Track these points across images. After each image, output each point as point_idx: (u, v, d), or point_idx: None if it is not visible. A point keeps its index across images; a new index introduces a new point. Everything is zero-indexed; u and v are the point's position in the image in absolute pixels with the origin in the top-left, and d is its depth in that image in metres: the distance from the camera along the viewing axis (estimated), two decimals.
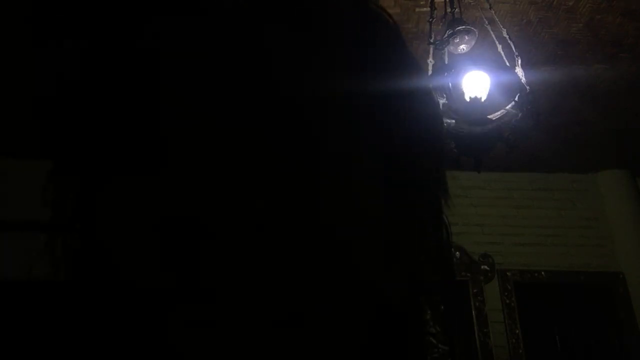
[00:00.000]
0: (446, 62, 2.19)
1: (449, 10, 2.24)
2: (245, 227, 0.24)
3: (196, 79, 0.26)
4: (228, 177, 0.25)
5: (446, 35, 2.13)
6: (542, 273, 3.89)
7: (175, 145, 0.25)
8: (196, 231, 0.24)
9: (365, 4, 0.31)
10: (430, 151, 0.33)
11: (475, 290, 3.79)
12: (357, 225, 0.27)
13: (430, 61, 2.23)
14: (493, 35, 2.23)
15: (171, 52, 0.27)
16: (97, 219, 0.27)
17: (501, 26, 2.25)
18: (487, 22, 2.26)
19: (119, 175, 0.26)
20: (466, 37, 2.14)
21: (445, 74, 2.09)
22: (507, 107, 2.14)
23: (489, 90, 2.14)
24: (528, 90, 2.08)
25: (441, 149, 0.34)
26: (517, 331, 3.69)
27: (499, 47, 2.22)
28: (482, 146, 2.03)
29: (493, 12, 2.31)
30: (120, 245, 0.25)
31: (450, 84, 2.08)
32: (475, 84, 2.13)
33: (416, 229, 0.32)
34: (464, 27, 2.13)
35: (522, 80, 2.10)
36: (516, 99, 2.10)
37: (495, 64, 2.19)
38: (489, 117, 2.09)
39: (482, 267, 3.84)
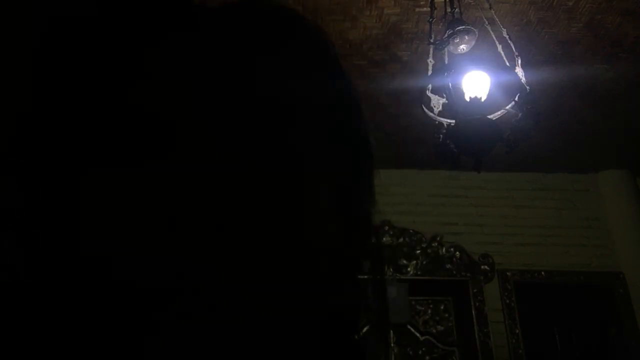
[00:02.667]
0: (446, 62, 2.19)
1: (449, 10, 2.24)
2: (220, 228, 0.25)
3: (177, 74, 0.27)
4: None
5: (446, 35, 2.12)
6: (542, 273, 3.89)
7: (159, 137, 0.26)
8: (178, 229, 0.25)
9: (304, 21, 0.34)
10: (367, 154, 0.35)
11: (475, 290, 3.79)
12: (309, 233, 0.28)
13: (430, 61, 2.23)
14: (493, 35, 2.23)
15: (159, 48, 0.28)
16: (77, 215, 0.26)
17: (501, 26, 2.25)
18: (487, 22, 2.26)
19: (98, 168, 0.26)
20: (466, 37, 2.14)
21: (445, 74, 2.09)
22: (507, 107, 2.14)
23: (489, 90, 2.14)
24: (528, 90, 2.08)
25: (366, 155, 0.36)
26: (517, 331, 3.69)
27: (499, 47, 2.21)
28: (482, 146, 2.03)
29: (493, 12, 2.31)
30: (107, 242, 0.25)
31: (450, 84, 2.08)
32: (475, 84, 2.13)
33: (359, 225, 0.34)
34: (464, 27, 2.12)
35: (522, 80, 2.10)
36: (516, 99, 2.10)
37: (495, 64, 2.19)
38: (489, 117, 2.09)
39: (482, 267, 3.84)
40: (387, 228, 3.86)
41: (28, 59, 0.29)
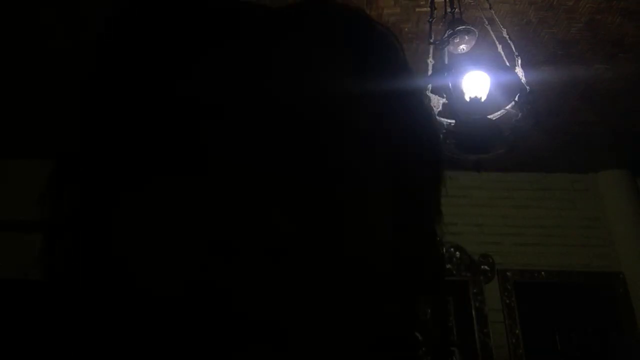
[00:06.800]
0: (446, 62, 2.19)
1: (449, 10, 2.24)
2: (259, 243, 0.24)
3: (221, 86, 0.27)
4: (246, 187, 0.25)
5: (446, 35, 2.12)
6: (542, 273, 3.89)
7: (203, 153, 0.25)
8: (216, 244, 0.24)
9: (366, 19, 0.32)
10: (429, 153, 0.33)
11: (475, 290, 3.79)
12: (366, 238, 0.27)
13: (430, 61, 2.23)
14: (493, 35, 2.23)
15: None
16: (113, 224, 0.26)
17: (501, 26, 2.25)
18: (487, 22, 2.26)
19: (144, 180, 0.26)
20: (466, 37, 2.14)
21: (445, 74, 2.09)
22: (507, 107, 2.14)
23: (489, 90, 2.14)
24: (528, 90, 2.08)
25: (439, 151, 0.34)
26: (517, 331, 3.69)
27: (499, 47, 2.21)
28: (482, 146, 2.03)
29: (493, 12, 2.31)
30: (138, 252, 0.25)
31: (450, 84, 2.08)
32: (475, 84, 2.13)
33: (418, 235, 0.32)
34: (464, 27, 2.12)
35: (522, 80, 2.10)
36: (516, 99, 2.10)
37: (495, 64, 2.19)
38: (489, 117, 2.09)
39: (482, 267, 3.84)
40: None
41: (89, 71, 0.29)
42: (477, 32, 2.16)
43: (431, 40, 2.20)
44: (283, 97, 0.27)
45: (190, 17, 0.28)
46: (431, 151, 0.33)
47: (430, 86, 2.19)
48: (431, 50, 2.24)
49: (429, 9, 2.37)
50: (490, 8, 2.30)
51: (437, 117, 2.17)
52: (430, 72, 2.21)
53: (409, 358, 0.31)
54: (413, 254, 0.31)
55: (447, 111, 2.15)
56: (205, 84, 0.27)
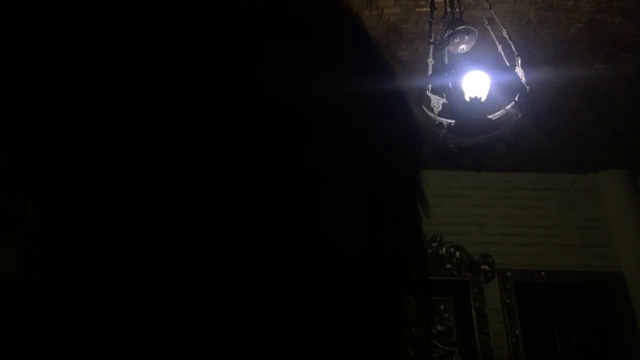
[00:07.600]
0: (446, 62, 2.19)
1: (449, 10, 2.24)
2: (243, 237, 0.24)
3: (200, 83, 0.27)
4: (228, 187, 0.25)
5: (446, 35, 2.13)
6: (542, 273, 3.89)
7: (186, 150, 0.25)
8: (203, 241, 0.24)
9: (340, 13, 0.32)
10: (408, 154, 0.33)
11: (475, 290, 3.79)
12: (347, 238, 0.27)
13: (430, 61, 2.23)
14: (493, 35, 2.23)
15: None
16: (112, 223, 0.26)
17: (501, 26, 2.25)
18: (487, 22, 2.26)
19: (136, 179, 0.26)
20: (466, 37, 2.14)
21: (445, 74, 2.09)
22: (507, 107, 2.14)
23: (489, 90, 2.14)
24: (528, 90, 2.09)
25: (418, 151, 0.34)
26: (517, 331, 3.69)
27: (499, 47, 2.22)
28: (482, 146, 2.03)
29: (493, 12, 2.31)
30: (135, 250, 0.25)
31: (450, 84, 2.08)
32: (475, 84, 2.14)
33: (400, 235, 0.32)
34: (464, 27, 2.13)
35: (522, 80, 2.10)
36: (516, 99, 2.10)
37: (495, 64, 2.19)
38: (489, 117, 2.09)
39: (482, 267, 3.84)
40: None
41: (56, 73, 0.29)
42: (477, 32, 2.16)
43: (431, 40, 2.20)
44: (276, 96, 0.27)
45: (177, 18, 0.28)
46: (414, 152, 0.33)
47: (430, 86, 2.19)
48: (431, 50, 2.24)
49: (429, 9, 2.37)
50: (490, 8, 2.30)
51: (437, 117, 2.17)
52: (430, 72, 2.21)
53: (396, 358, 0.32)
54: (400, 254, 0.31)
55: (447, 111, 2.15)
56: (194, 83, 0.27)
